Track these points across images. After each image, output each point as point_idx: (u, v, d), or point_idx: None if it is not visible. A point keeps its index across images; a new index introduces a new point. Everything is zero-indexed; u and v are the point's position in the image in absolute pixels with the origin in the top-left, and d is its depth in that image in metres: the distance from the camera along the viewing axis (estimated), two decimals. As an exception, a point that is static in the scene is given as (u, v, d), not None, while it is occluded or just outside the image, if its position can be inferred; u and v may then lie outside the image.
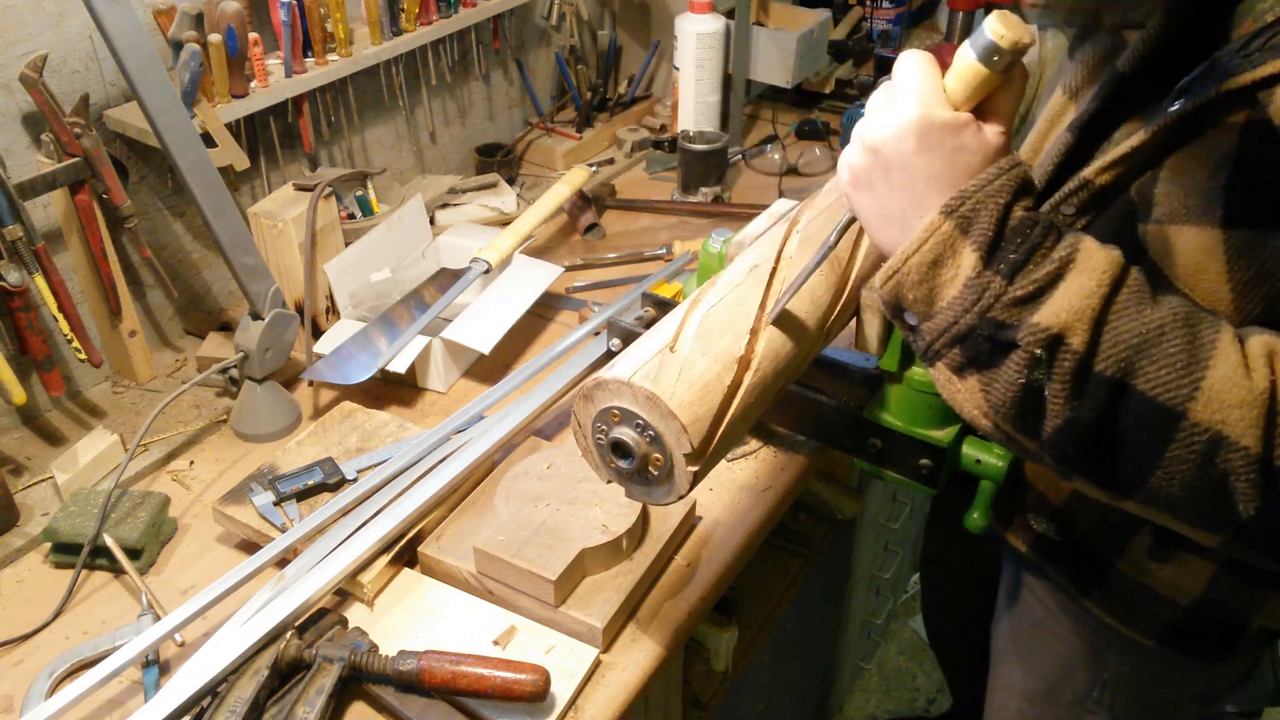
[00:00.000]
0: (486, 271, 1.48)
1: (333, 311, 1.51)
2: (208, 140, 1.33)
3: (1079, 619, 1.08)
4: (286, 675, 0.97)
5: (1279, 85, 0.72)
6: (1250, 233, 0.73)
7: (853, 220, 0.80)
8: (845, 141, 2.00)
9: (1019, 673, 1.19)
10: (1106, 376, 0.66)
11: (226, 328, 1.48)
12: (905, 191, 0.71)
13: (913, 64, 0.71)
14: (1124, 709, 1.10)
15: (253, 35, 1.38)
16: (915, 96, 0.69)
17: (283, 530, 1.11)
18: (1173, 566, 0.97)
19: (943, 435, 1.03)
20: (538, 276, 1.49)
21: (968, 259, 0.68)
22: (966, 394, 0.72)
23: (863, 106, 2.14)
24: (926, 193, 0.70)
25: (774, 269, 0.93)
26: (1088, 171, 0.85)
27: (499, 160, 1.88)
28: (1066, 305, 0.66)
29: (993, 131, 0.70)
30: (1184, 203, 0.77)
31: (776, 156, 1.98)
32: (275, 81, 1.45)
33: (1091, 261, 0.67)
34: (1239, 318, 0.76)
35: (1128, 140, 0.81)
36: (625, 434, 0.81)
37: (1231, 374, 0.65)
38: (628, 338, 1.22)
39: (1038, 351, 0.66)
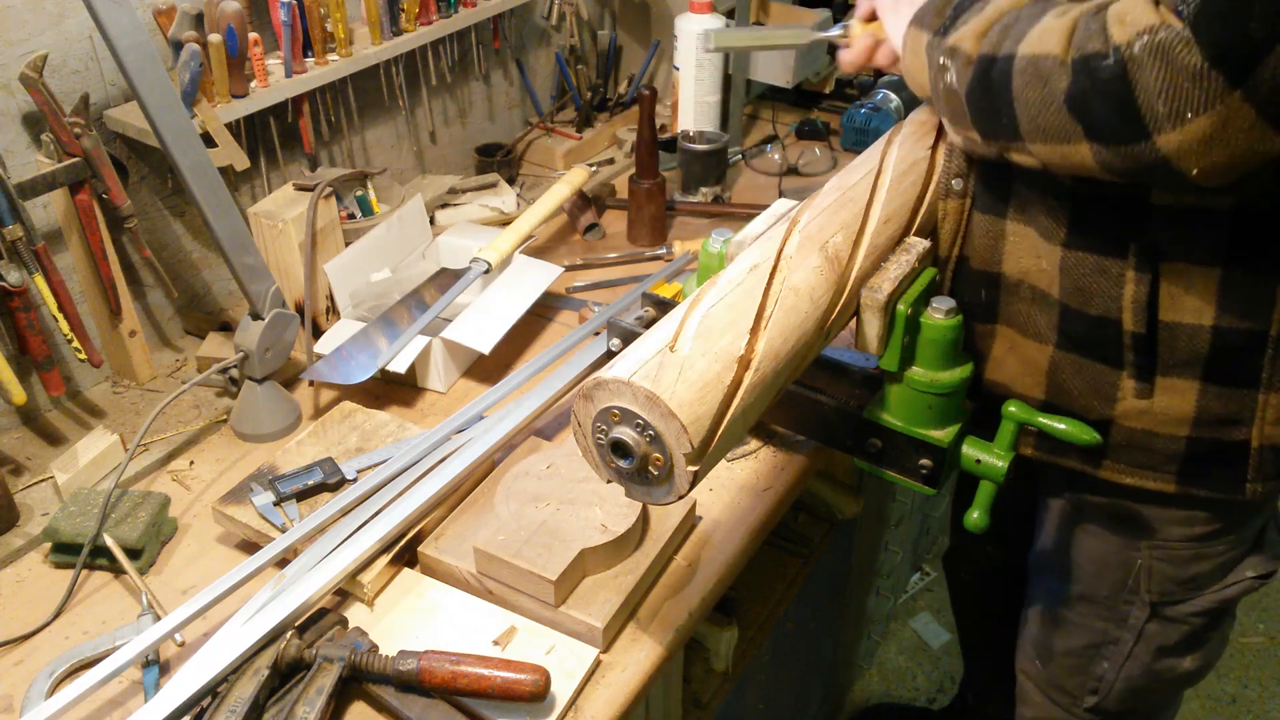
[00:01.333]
0: (486, 271, 1.48)
1: (333, 311, 1.51)
2: (208, 140, 1.33)
3: (1107, 511, 1.15)
4: (286, 675, 0.97)
5: None
6: None
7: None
8: (845, 142, 2.01)
9: (1054, 582, 1.26)
10: (984, 54, 0.92)
11: (226, 328, 1.48)
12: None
13: None
14: (1157, 592, 1.16)
15: (253, 35, 1.38)
16: None
17: (283, 530, 1.11)
18: (1159, 396, 1.02)
19: (943, 435, 1.03)
20: (538, 276, 1.49)
21: (925, 35, 1.00)
22: (949, 129, 1.03)
23: (863, 107, 2.13)
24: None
25: (774, 269, 0.93)
26: None
27: (499, 160, 1.88)
28: (966, 32, 0.95)
29: None
30: None
31: (776, 156, 1.98)
32: (275, 81, 1.45)
33: (996, 4, 0.94)
34: None
35: None
36: (625, 434, 0.81)
37: (1050, 21, 0.86)
38: (628, 338, 1.22)
39: (943, 60, 0.97)
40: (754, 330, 0.87)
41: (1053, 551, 1.27)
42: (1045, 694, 1.34)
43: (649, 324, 1.20)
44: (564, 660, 1.00)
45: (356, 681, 0.98)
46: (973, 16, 0.95)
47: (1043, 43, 0.86)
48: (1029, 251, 1.04)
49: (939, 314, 1.01)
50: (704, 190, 1.82)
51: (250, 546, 1.14)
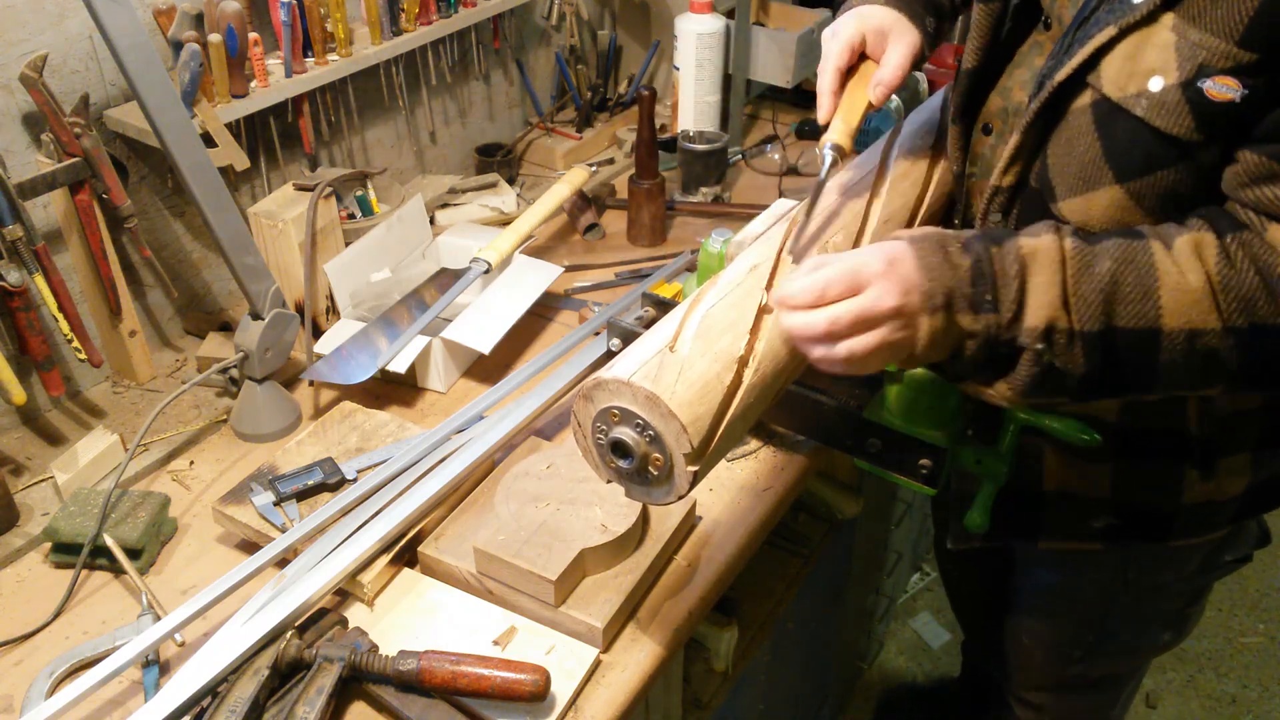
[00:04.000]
0: (486, 271, 1.48)
1: (333, 311, 1.51)
2: (208, 140, 1.33)
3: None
4: (286, 675, 0.97)
5: (1100, 64, 0.87)
6: (1141, 179, 0.89)
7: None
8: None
9: (1044, 573, 1.31)
10: (1094, 332, 0.84)
11: (226, 328, 1.48)
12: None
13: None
14: (1145, 580, 1.21)
15: (253, 35, 1.38)
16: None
17: (283, 530, 1.11)
18: (1221, 476, 1.06)
19: (943, 435, 1.03)
20: (538, 276, 1.49)
21: (966, 320, 0.85)
22: (997, 394, 0.90)
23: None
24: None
25: (774, 269, 0.93)
26: (993, 179, 0.99)
27: (499, 160, 1.88)
28: (1042, 303, 0.84)
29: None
30: (1079, 176, 0.91)
31: (776, 156, 1.98)
32: (275, 81, 1.45)
33: (1037, 259, 0.85)
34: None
35: (1009, 141, 0.96)
36: (625, 434, 0.81)
37: (1177, 283, 0.83)
38: (628, 338, 1.22)
39: (1039, 346, 0.84)
40: (754, 330, 0.87)
41: (1041, 552, 1.29)
42: (1035, 659, 1.39)
43: (649, 324, 1.20)
44: (564, 660, 1.00)
45: (356, 681, 0.98)
46: (1026, 281, 0.84)
47: (1192, 314, 0.83)
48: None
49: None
50: (704, 190, 1.82)
51: (250, 546, 1.14)
